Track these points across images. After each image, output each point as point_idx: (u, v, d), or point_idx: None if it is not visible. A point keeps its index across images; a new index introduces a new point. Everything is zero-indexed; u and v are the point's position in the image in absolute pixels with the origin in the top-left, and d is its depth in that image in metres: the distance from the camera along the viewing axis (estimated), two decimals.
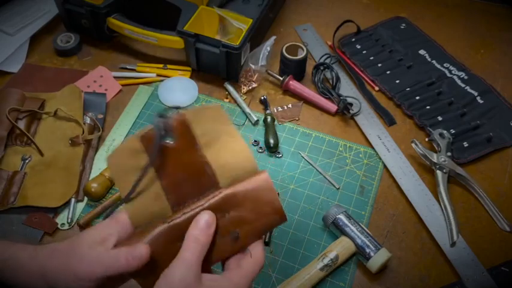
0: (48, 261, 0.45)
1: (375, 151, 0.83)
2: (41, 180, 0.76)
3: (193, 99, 0.91)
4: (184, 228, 0.44)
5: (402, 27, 1.06)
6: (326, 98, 0.91)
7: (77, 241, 0.45)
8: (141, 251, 0.43)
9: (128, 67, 0.96)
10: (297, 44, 0.93)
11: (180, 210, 0.45)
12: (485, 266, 0.69)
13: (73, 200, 0.75)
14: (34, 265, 0.45)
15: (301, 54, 0.91)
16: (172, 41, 0.90)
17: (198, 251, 0.43)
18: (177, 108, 0.89)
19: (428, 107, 0.89)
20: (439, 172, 0.78)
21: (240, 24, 0.88)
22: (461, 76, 0.95)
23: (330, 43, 1.02)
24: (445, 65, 0.97)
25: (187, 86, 0.93)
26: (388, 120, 0.89)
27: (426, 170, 0.81)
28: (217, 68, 0.92)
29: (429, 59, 0.99)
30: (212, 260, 0.45)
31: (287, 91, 0.93)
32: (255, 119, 0.87)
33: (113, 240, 0.45)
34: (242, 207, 0.44)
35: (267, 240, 0.72)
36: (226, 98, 0.92)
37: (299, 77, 0.95)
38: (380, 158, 0.82)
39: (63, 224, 0.73)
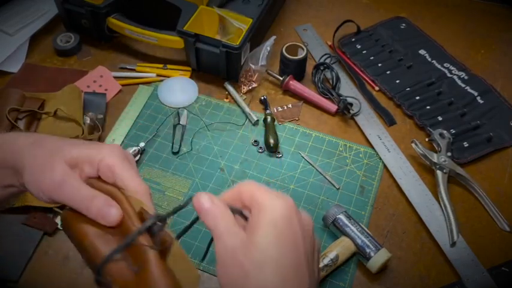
0: (28, 150, 0.44)
1: (375, 151, 0.83)
2: None
3: (193, 99, 0.91)
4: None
5: (402, 27, 1.06)
6: (326, 98, 0.91)
7: (59, 150, 0.43)
8: (115, 214, 0.40)
9: (127, 67, 0.96)
10: (297, 44, 0.93)
11: None
12: (485, 266, 0.69)
13: None
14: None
15: (301, 54, 0.91)
16: (172, 41, 0.90)
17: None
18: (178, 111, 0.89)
19: (428, 107, 0.89)
20: (439, 172, 0.78)
21: (240, 24, 0.88)
22: (462, 76, 0.95)
23: (330, 43, 1.02)
24: (445, 65, 0.97)
25: (187, 86, 0.93)
26: (388, 120, 0.89)
27: (426, 170, 0.81)
28: (217, 68, 0.92)
29: (429, 59, 0.99)
30: None
31: (287, 91, 0.93)
32: (255, 119, 0.87)
33: (87, 170, 0.43)
34: None
35: None
36: (226, 98, 0.92)
37: (299, 77, 0.95)
38: (380, 158, 0.82)
39: None
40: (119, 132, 0.85)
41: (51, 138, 0.46)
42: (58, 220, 0.73)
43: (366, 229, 0.70)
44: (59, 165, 0.42)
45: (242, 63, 0.92)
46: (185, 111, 0.89)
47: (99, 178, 0.44)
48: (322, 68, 0.94)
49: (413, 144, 0.81)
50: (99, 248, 0.40)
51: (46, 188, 0.42)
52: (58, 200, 0.42)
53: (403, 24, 1.07)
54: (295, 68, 0.93)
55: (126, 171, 0.43)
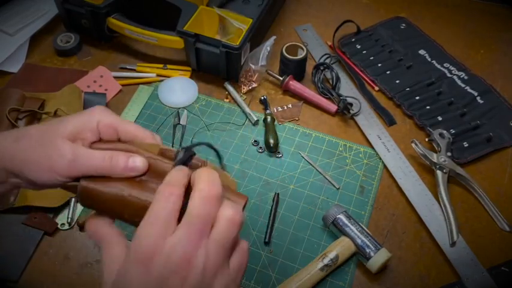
0: (16, 148, 0.43)
1: (375, 151, 0.83)
2: None
3: (193, 99, 0.91)
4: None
5: (402, 27, 1.06)
6: (326, 98, 0.91)
7: (51, 131, 0.43)
8: (141, 161, 0.41)
9: (127, 67, 0.96)
10: (297, 44, 0.93)
11: None
12: (485, 266, 0.69)
13: (73, 199, 0.75)
14: None
15: (301, 54, 0.91)
16: (172, 41, 0.90)
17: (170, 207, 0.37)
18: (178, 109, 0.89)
19: (428, 107, 0.89)
20: (439, 172, 0.78)
21: (240, 24, 0.88)
22: (461, 76, 0.95)
23: (330, 43, 1.02)
24: (445, 65, 0.97)
25: (187, 86, 0.93)
26: (388, 120, 0.89)
27: (426, 170, 0.81)
28: (217, 68, 0.92)
29: (429, 59, 0.99)
30: None
31: (287, 91, 0.93)
32: (255, 119, 0.87)
33: (89, 137, 0.43)
34: None
35: (266, 240, 0.72)
36: (226, 98, 0.92)
37: (299, 77, 0.95)
38: (380, 158, 0.82)
39: (63, 224, 0.73)
40: None
41: (34, 128, 0.45)
42: (58, 220, 0.73)
43: (365, 229, 0.70)
44: (62, 144, 0.42)
45: (242, 63, 0.92)
46: (185, 111, 0.89)
47: (101, 141, 0.45)
48: (322, 68, 0.94)
49: (413, 144, 0.81)
50: (142, 197, 0.40)
51: (61, 170, 0.42)
52: (78, 174, 0.42)
53: (403, 24, 1.07)
54: (295, 68, 0.93)
55: (128, 124, 0.44)
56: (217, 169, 0.42)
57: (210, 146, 0.44)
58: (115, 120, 0.44)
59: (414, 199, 0.76)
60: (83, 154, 0.42)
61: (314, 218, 0.75)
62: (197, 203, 0.37)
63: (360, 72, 0.97)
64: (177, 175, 0.39)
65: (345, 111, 0.88)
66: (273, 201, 0.76)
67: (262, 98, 0.90)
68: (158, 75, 0.95)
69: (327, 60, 0.96)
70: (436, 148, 0.82)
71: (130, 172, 0.41)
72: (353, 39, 1.03)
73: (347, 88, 0.94)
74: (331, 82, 0.93)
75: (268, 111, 0.88)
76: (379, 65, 0.97)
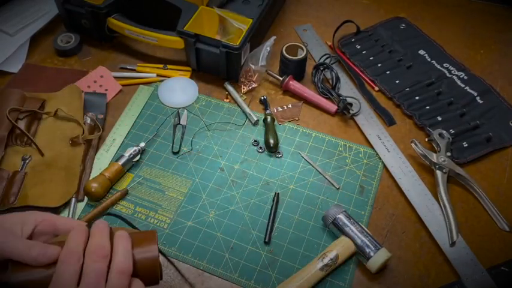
0: None
1: (375, 151, 0.84)
2: (41, 180, 0.76)
3: (193, 99, 0.91)
4: None
5: (402, 27, 1.06)
6: (326, 98, 0.91)
7: None
8: (53, 251, 0.46)
9: (128, 67, 0.97)
10: (297, 44, 0.93)
11: None
12: (485, 265, 0.69)
13: (73, 199, 0.75)
14: None
15: (301, 55, 0.92)
16: (172, 41, 0.90)
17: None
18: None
19: (427, 107, 0.89)
20: (438, 172, 0.79)
21: (240, 25, 0.89)
22: (461, 76, 0.95)
23: (329, 43, 1.03)
24: (444, 65, 0.98)
25: (187, 86, 0.93)
26: (388, 120, 0.89)
27: (426, 170, 0.81)
28: (217, 68, 0.92)
29: (429, 59, 0.99)
30: None
31: (287, 91, 0.93)
32: (255, 119, 0.87)
33: (28, 230, 0.49)
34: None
35: (266, 240, 0.72)
36: (226, 98, 0.92)
37: (299, 77, 0.95)
38: (380, 158, 0.82)
39: None
40: (119, 132, 0.86)
41: None
42: None
43: (365, 229, 0.70)
44: None
45: (242, 64, 0.92)
46: (185, 111, 0.89)
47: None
48: (322, 68, 0.94)
49: (412, 144, 0.81)
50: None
51: None
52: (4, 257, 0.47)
53: (403, 25, 1.07)
54: (295, 68, 0.93)
55: (62, 218, 0.52)
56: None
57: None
58: (50, 216, 0.51)
59: (414, 199, 0.76)
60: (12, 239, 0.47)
61: (314, 218, 0.75)
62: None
63: (360, 73, 0.97)
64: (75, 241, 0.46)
65: (344, 111, 0.88)
66: (273, 201, 0.76)
67: (262, 98, 0.90)
68: (158, 76, 0.95)
69: (327, 60, 0.96)
70: (436, 148, 0.82)
71: (43, 259, 0.46)
72: (353, 40, 1.03)
73: (347, 88, 0.94)
74: (331, 82, 0.94)
75: (268, 111, 0.88)
76: (379, 65, 0.98)
